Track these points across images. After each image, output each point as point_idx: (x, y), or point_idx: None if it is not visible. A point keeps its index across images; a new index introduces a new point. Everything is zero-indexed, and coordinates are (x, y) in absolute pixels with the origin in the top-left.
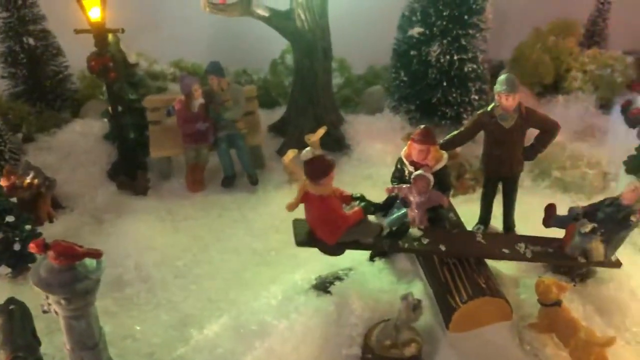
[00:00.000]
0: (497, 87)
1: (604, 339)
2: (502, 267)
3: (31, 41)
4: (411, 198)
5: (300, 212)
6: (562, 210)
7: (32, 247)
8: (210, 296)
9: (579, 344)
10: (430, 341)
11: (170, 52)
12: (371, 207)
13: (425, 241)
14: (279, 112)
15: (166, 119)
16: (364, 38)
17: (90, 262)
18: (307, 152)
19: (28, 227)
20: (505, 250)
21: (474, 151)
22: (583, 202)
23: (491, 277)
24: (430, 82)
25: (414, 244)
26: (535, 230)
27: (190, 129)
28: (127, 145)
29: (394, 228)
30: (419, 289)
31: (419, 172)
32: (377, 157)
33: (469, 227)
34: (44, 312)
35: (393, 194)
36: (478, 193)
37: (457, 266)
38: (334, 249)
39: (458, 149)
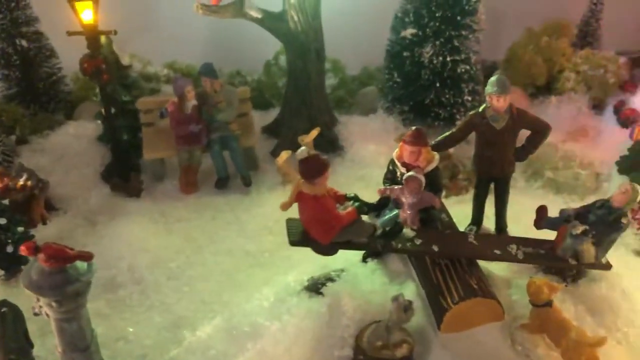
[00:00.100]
0: (488, 89)
1: (594, 339)
2: (494, 268)
3: (24, 43)
4: (403, 199)
5: (294, 212)
6: (554, 211)
7: (22, 250)
8: (203, 298)
9: (570, 344)
10: (422, 342)
11: (164, 53)
12: (365, 207)
13: (417, 242)
14: (272, 114)
15: (159, 121)
16: (358, 39)
17: (81, 264)
18: (302, 152)
19: (21, 229)
20: (497, 251)
21: (466, 152)
22: (576, 202)
23: (483, 278)
24: (424, 83)
25: (406, 245)
26: (527, 231)
27: (183, 130)
28: (120, 147)
29: (387, 228)
30: (411, 290)
31: (410, 173)
32: (370, 158)
33: (462, 228)
34: (35, 314)
35: (385, 195)
36: (471, 194)
37: (449, 267)
38: (327, 249)
39: (451, 150)
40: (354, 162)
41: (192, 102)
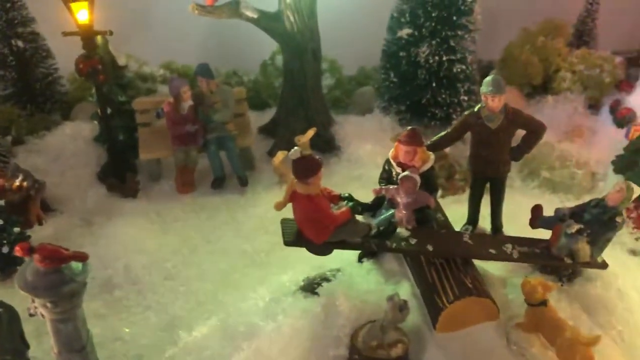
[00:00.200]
0: (483, 89)
1: (589, 338)
2: (490, 268)
3: (20, 44)
4: (398, 199)
5: (290, 213)
6: (551, 210)
7: (17, 250)
8: (199, 298)
9: (565, 343)
10: (418, 341)
11: (161, 53)
12: (359, 207)
13: (412, 241)
14: (269, 114)
15: (156, 121)
16: (354, 39)
17: (76, 265)
18: (295, 152)
19: (17, 230)
20: (492, 251)
21: (463, 152)
22: (572, 202)
23: (478, 277)
24: (420, 83)
25: (401, 244)
26: (523, 231)
27: (180, 131)
28: (116, 147)
29: (381, 228)
30: (406, 289)
31: (405, 173)
32: (367, 158)
33: (458, 228)
34: (31, 315)
35: (380, 194)
36: (467, 194)
37: (444, 266)
38: (322, 249)
39: (447, 150)
40: (350, 162)
41: (188, 102)
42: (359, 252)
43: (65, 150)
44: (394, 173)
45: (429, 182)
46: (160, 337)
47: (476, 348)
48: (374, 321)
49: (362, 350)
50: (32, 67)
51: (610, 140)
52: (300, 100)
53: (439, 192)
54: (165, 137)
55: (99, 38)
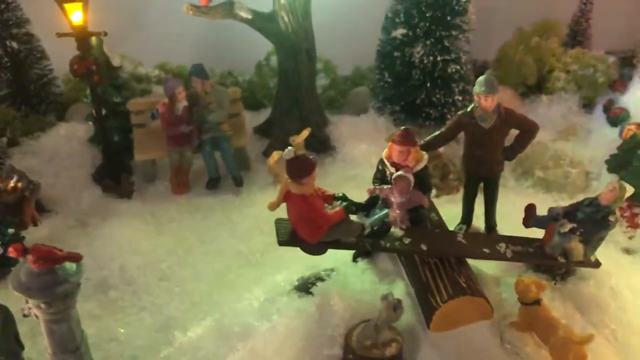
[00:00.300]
0: (476, 88)
1: (582, 337)
2: (484, 267)
3: (15, 45)
4: (392, 199)
5: (284, 212)
6: (545, 210)
7: (11, 251)
8: (194, 299)
9: (558, 342)
10: (412, 341)
11: (155, 54)
12: (353, 207)
13: (406, 241)
14: (264, 114)
15: (150, 122)
16: (350, 39)
17: (70, 265)
18: (289, 152)
19: (11, 230)
20: (486, 250)
21: (457, 152)
22: (566, 201)
23: (472, 276)
24: (414, 83)
25: (395, 244)
26: (517, 230)
27: (174, 131)
28: (111, 148)
29: (375, 227)
30: (400, 289)
31: (399, 173)
32: (361, 158)
33: (452, 227)
34: (25, 316)
35: (374, 194)
36: (462, 193)
37: (438, 266)
38: (316, 249)
39: (441, 150)
40: (345, 162)
41: (182, 103)
42: (353, 251)
43: (60, 151)
44: (387, 173)
45: (422, 181)
46: (155, 337)
47: (470, 347)
48: (368, 320)
49: (356, 349)
50: (26, 68)
51: (604, 139)
52: (294, 101)
53: (433, 192)
54: (160, 138)
55: (93, 39)
